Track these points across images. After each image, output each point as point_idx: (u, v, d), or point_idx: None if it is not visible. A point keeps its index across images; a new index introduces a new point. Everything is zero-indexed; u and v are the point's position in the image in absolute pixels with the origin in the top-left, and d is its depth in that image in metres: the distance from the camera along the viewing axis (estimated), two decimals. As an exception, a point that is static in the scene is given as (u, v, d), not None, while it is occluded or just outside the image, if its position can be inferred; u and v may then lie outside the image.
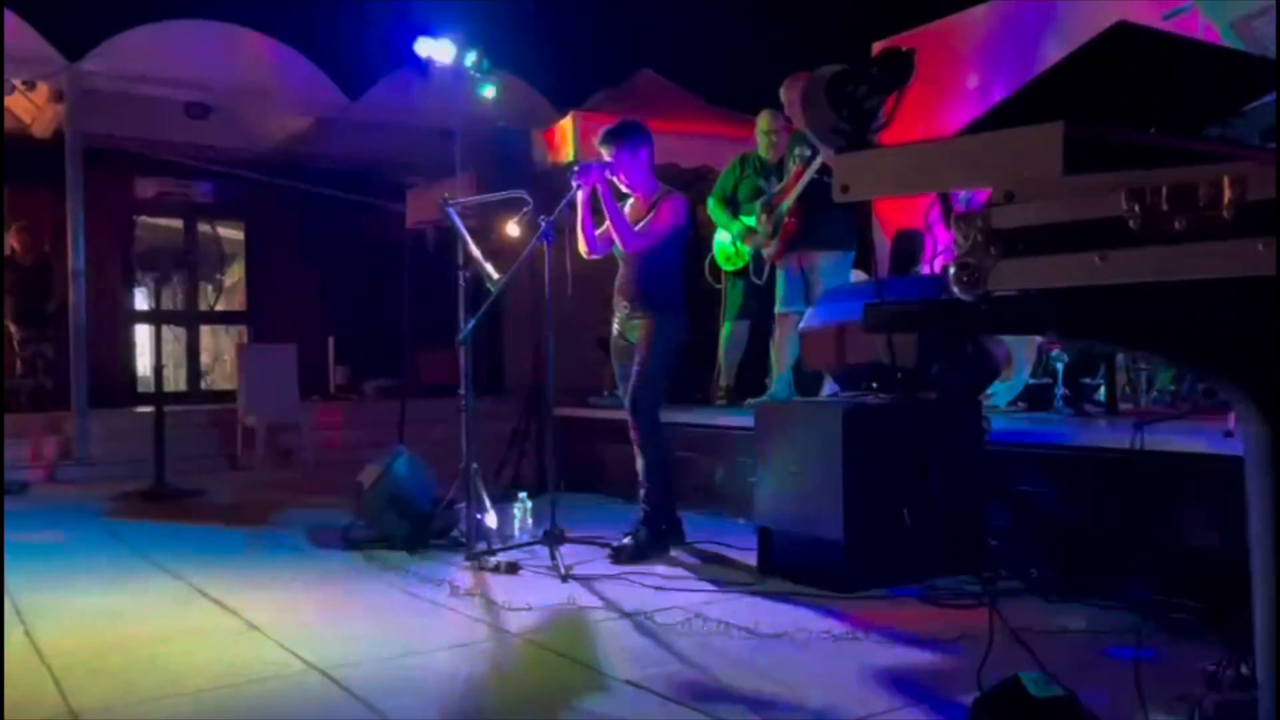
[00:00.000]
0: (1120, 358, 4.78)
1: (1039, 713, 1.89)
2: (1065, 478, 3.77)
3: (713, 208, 6.15)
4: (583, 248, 4.55)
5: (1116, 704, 2.12)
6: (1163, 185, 1.06)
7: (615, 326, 4.55)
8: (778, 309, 5.72)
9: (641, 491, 4.46)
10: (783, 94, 5.76)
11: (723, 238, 6.20)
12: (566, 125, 8.09)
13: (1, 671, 2.78)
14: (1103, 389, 4.96)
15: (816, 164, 5.32)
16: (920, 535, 3.69)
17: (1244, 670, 2.19)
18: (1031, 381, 5.27)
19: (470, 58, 7.27)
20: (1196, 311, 1.09)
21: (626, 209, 4.47)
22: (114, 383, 9.77)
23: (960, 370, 3.92)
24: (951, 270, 1.23)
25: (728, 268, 6.30)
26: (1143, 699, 2.04)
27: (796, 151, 5.63)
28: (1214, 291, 1.05)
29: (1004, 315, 1.24)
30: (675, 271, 4.45)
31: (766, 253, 5.74)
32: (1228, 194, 1.02)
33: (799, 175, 5.47)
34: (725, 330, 6.47)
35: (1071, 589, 3.50)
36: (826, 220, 5.38)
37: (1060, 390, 4.91)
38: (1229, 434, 3.29)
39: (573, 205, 4.43)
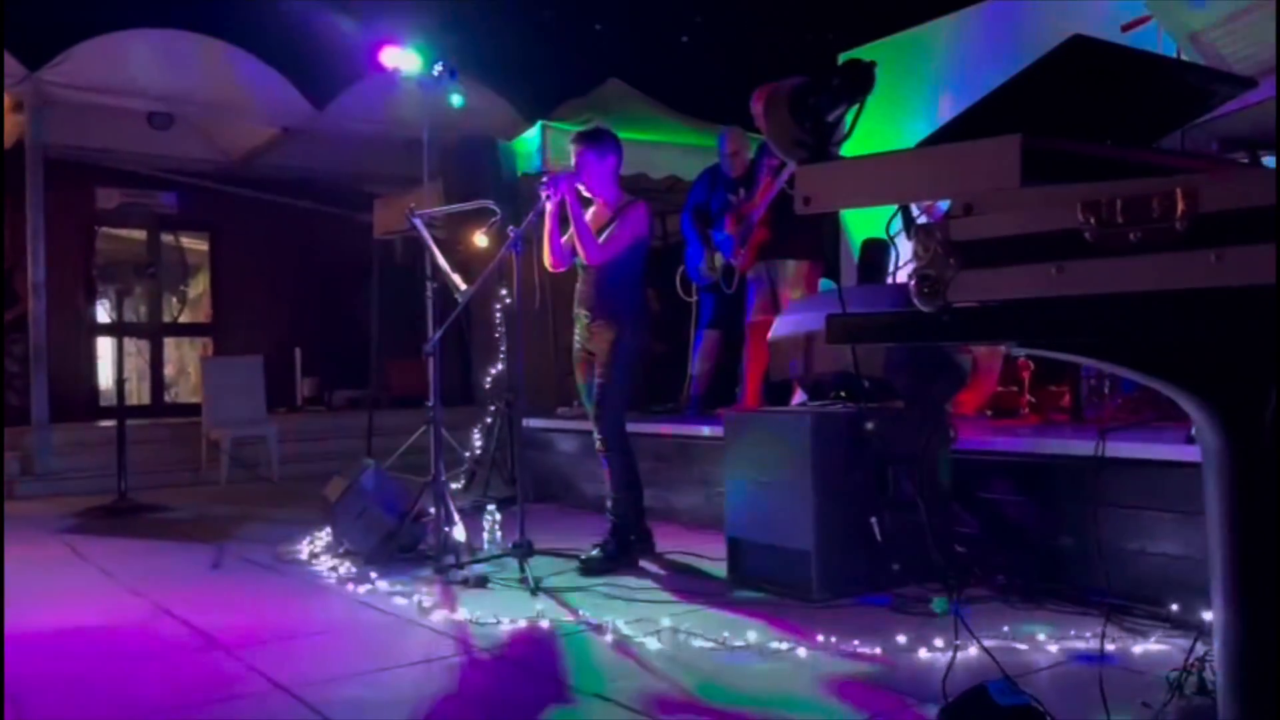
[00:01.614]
0: (1085, 366, 4.84)
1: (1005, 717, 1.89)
2: (1031, 485, 3.80)
3: (686, 224, 6.17)
4: (548, 260, 4.54)
5: (1081, 710, 2.13)
6: (1117, 198, 1.07)
7: (576, 338, 4.54)
8: (754, 317, 5.74)
9: (608, 503, 4.44)
10: (753, 105, 5.79)
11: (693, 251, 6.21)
12: (534, 135, 8.07)
13: (2, 674, 2.73)
14: (1067, 396, 5.01)
15: (786, 175, 5.35)
16: (888, 544, 3.71)
17: (1206, 676, 2.22)
18: (997, 390, 5.31)
19: (437, 67, 7.25)
20: (1152, 322, 1.10)
21: (589, 216, 4.47)
22: (75, 396, 9.63)
23: (926, 379, 3.95)
24: (913, 282, 1.23)
25: (699, 280, 6.30)
26: (1106, 705, 2.05)
27: (765, 162, 5.67)
28: (1168, 302, 1.06)
29: (965, 326, 1.25)
30: (635, 281, 4.43)
31: (735, 262, 5.77)
32: (1180, 206, 1.03)
33: (769, 185, 5.50)
34: (696, 341, 6.48)
35: (1037, 595, 3.53)
36: (795, 230, 5.42)
37: (1026, 398, 4.96)
38: (1190, 440, 3.33)
39: (541, 216, 4.42)
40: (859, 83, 1.51)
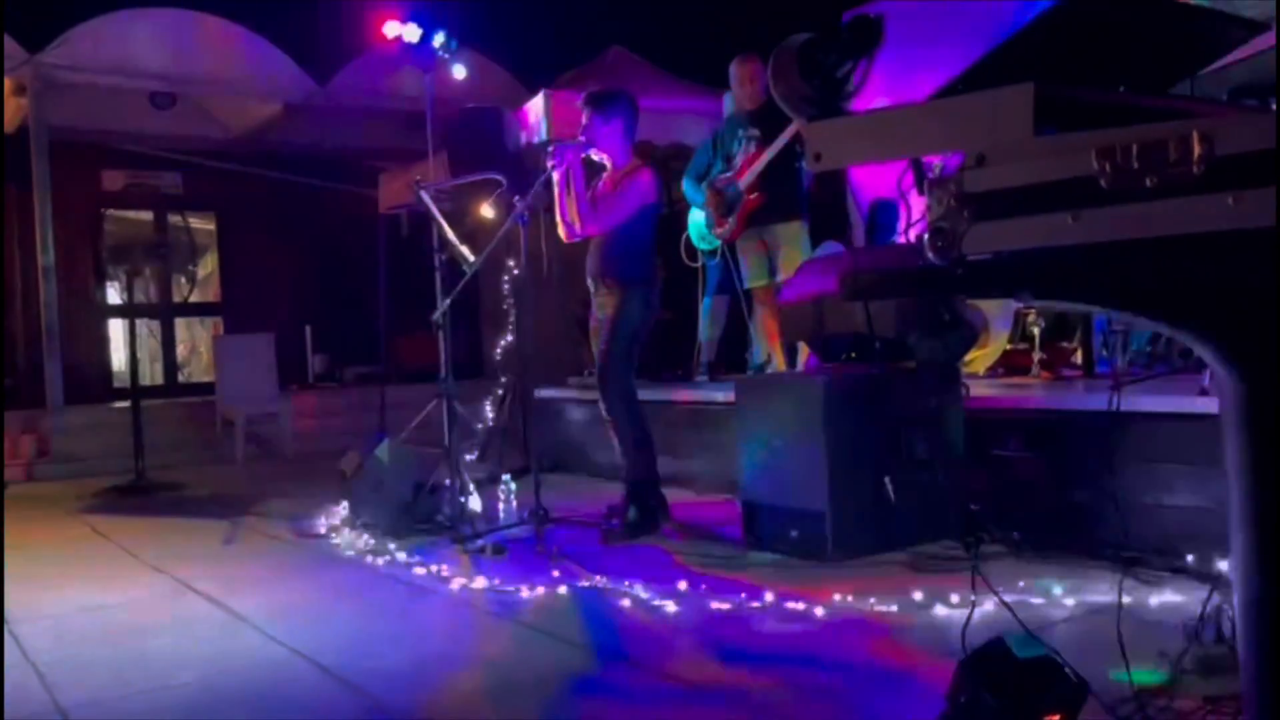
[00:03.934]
0: (1097, 322, 4.83)
1: (1023, 672, 1.90)
2: (1045, 440, 3.80)
3: (688, 187, 6.13)
4: (562, 232, 4.51)
5: (1099, 661, 2.15)
6: (1132, 143, 1.06)
7: (593, 308, 4.53)
8: (751, 285, 5.73)
9: (622, 471, 4.44)
10: (732, 73, 5.75)
11: (698, 217, 6.18)
12: (538, 104, 8.03)
13: (2, 672, 2.77)
14: (1079, 353, 5.00)
15: (780, 143, 5.31)
16: (902, 503, 3.72)
17: (1223, 625, 2.23)
18: (1009, 347, 5.30)
19: (438, 39, 7.20)
20: (1169, 267, 1.09)
21: (602, 180, 4.45)
22: (89, 378, 9.69)
23: (938, 338, 3.94)
24: (926, 235, 1.23)
25: (703, 246, 6.28)
26: (1125, 655, 2.07)
27: (741, 132, 5.64)
28: (1185, 247, 1.06)
29: (979, 278, 1.25)
30: (643, 246, 4.40)
31: (721, 232, 5.73)
32: (1197, 149, 1.03)
33: (756, 155, 5.47)
34: (704, 307, 6.47)
35: (1052, 550, 3.54)
36: (781, 194, 5.44)
37: (1037, 355, 4.95)
38: (1203, 392, 3.32)
39: (548, 185, 4.40)
40: (867, 38, 1.50)
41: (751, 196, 5.52)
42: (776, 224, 5.54)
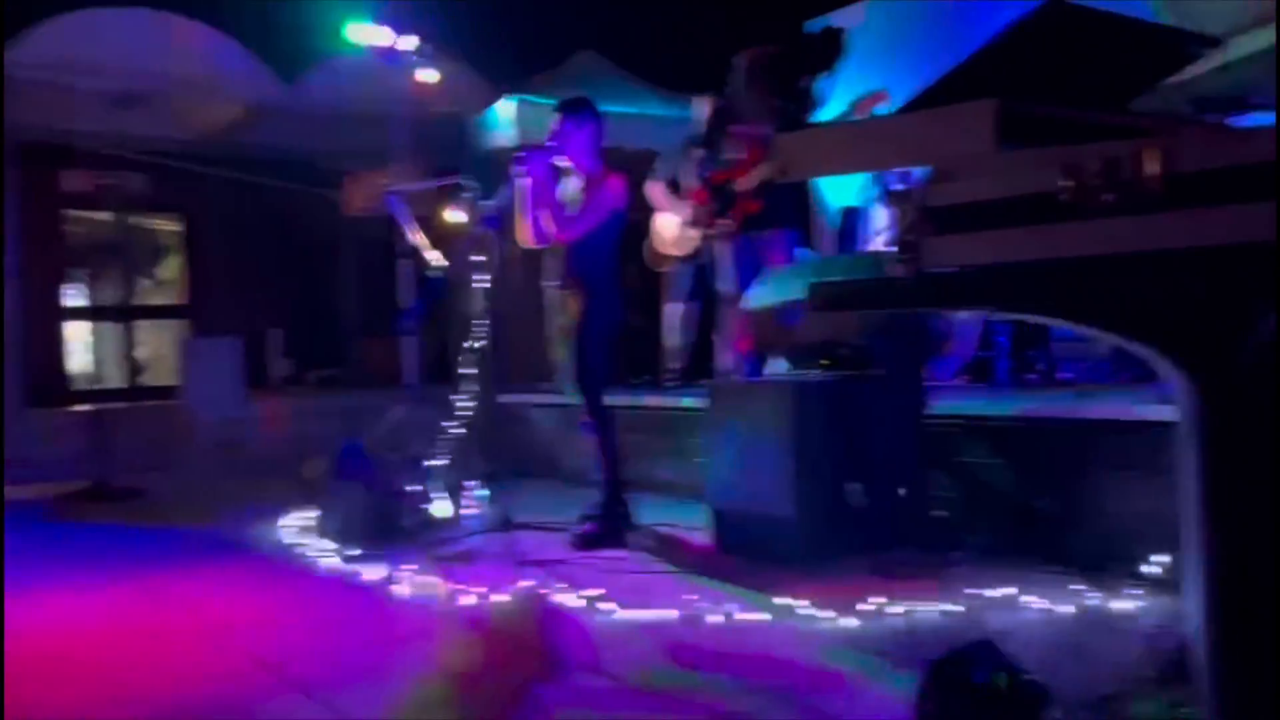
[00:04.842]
0: (1060, 331, 4.89)
1: (986, 679, 1.92)
2: (1009, 448, 3.84)
3: (661, 195, 6.09)
4: (528, 237, 4.49)
5: (1061, 668, 2.17)
6: (1093, 160, 1.08)
7: (554, 312, 4.52)
8: (734, 290, 5.62)
9: (598, 476, 4.43)
10: (736, 60, 5.64)
11: (667, 221, 6.15)
12: (507, 108, 8.01)
13: (2, 671, 2.72)
14: (1043, 360, 5.05)
15: None
16: (869, 509, 3.74)
17: (1183, 632, 2.26)
18: (976, 355, 5.35)
19: (408, 41, 7.17)
20: (1128, 283, 1.11)
21: (567, 187, 4.44)
22: (49, 381, 9.52)
23: (904, 346, 3.97)
24: (890, 248, 1.24)
25: (672, 250, 6.25)
26: (1087, 662, 2.09)
27: (743, 129, 5.50)
28: (1145, 263, 1.07)
29: (941, 291, 1.26)
30: (607, 252, 4.40)
31: (717, 229, 5.58)
32: (1157, 167, 1.04)
33: (755, 157, 5.33)
34: (674, 313, 6.44)
35: (1016, 556, 3.58)
36: (781, 202, 5.35)
37: (1003, 363, 5.00)
38: (1165, 400, 3.37)
39: (517, 191, 4.38)
40: (828, 50, 1.51)
41: (751, 203, 5.35)
42: (767, 230, 5.42)
